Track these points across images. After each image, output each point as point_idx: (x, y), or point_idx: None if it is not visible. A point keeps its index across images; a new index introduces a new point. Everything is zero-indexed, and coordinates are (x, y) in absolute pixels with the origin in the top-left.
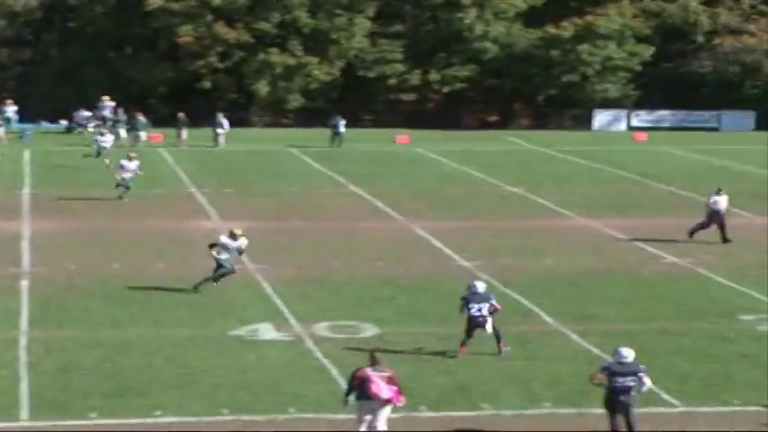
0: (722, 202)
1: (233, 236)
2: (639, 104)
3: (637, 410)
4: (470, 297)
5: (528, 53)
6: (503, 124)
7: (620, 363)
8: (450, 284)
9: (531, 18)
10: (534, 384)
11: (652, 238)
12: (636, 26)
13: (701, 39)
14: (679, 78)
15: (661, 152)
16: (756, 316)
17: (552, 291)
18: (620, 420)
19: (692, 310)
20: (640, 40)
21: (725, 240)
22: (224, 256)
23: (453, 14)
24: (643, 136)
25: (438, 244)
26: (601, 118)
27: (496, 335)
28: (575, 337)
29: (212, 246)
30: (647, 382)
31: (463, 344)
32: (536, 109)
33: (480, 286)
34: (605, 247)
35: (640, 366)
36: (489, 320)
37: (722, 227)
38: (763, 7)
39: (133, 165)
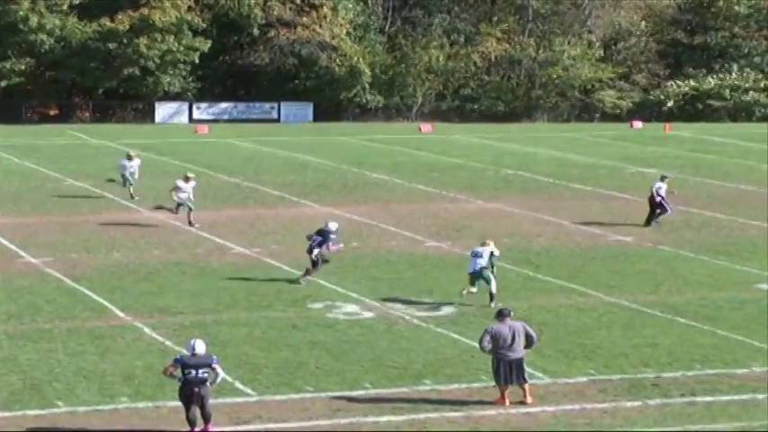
0: (664, 188)
1: None
2: (200, 97)
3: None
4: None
5: (85, 46)
6: (64, 118)
7: (193, 355)
8: (19, 281)
9: (85, 11)
10: (109, 380)
11: (220, 229)
12: (192, 19)
13: (256, 31)
14: (238, 71)
15: (224, 144)
16: (325, 303)
17: (123, 285)
18: (196, 412)
19: (262, 299)
20: (197, 32)
21: (648, 224)
22: None
23: (6, 6)
24: (205, 128)
25: (3, 240)
26: (163, 111)
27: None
28: (147, 330)
29: None
30: (221, 372)
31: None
32: (97, 102)
33: (333, 225)
34: (174, 240)
35: (213, 357)
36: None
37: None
38: (314, 1)
39: None
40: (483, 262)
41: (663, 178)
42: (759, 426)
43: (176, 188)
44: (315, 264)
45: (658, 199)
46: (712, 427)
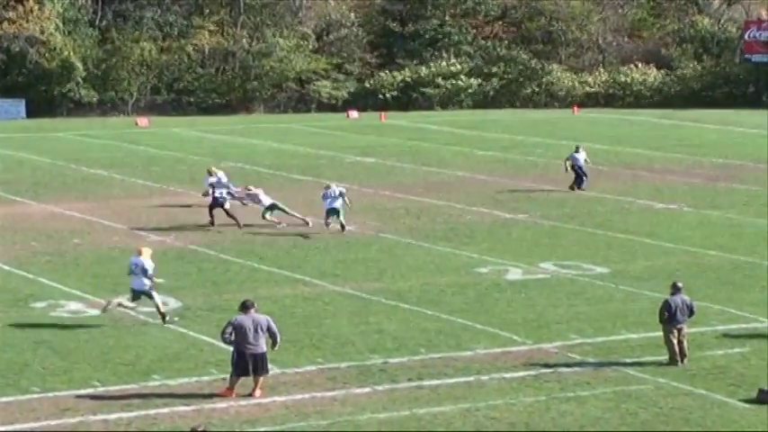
0: (581, 157)
1: None
2: None
3: None
4: (216, 184)
5: None
6: None
7: None
8: None
9: None
10: None
11: None
12: None
13: None
14: None
15: None
16: (48, 302)
17: None
18: None
19: None
20: None
21: (578, 187)
22: None
23: None
24: None
25: None
26: None
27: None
28: None
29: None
30: None
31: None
32: None
33: (223, 175)
34: None
35: None
36: (227, 202)
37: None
38: None
39: None
40: (338, 202)
41: (578, 149)
42: (484, 406)
43: None
44: (231, 215)
45: (577, 168)
46: (439, 409)
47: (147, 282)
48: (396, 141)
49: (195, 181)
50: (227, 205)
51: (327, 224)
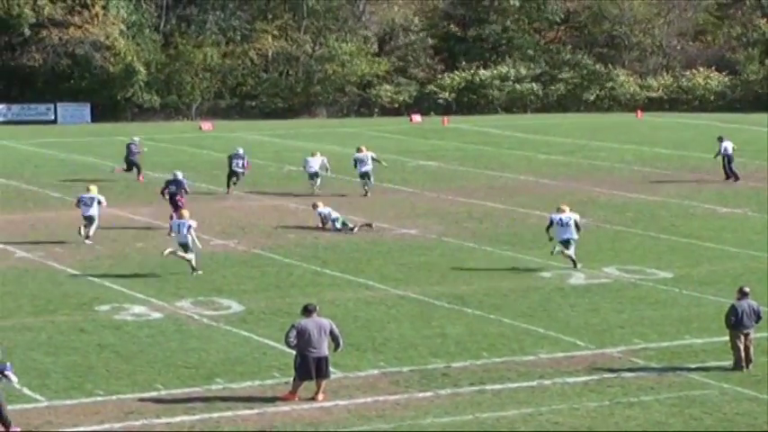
0: (730, 146)
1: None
2: None
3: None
4: (233, 155)
5: None
6: None
7: None
8: None
9: None
10: None
11: (0, 233)
12: None
13: (27, 31)
14: (11, 72)
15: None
16: (112, 305)
17: None
18: None
19: (48, 303)
20: None
21: (736, 178)
22: None
23: None
24: None
25: None
26: None
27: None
28: None
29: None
30: (14, 378)
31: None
32: None
33: (240, 150)
34: None
35: (6, 364)
36: (243, 173)
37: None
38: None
39: None
40: (369, 166)
41: (721, 138)
42: (547, 411)
43: None
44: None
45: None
46: (502, 413)
47: (573, 234)
48: (458, 145)
49: (258, 184)
50: (240, 173)
51: (366, 192)
